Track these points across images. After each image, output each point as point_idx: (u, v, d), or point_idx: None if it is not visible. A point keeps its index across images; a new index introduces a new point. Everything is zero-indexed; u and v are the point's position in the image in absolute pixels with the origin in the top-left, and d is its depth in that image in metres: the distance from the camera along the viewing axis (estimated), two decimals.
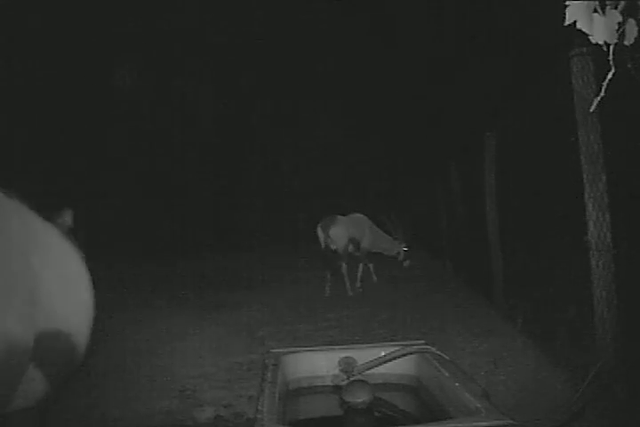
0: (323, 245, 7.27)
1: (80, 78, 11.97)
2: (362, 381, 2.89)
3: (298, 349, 3.35)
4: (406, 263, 8.19)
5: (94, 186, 12.34)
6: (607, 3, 1.42)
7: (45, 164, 11.33)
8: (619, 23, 1.41)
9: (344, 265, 7.30)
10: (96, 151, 12.72)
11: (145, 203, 12.98)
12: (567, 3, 1.42)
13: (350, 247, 7.42)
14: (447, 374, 2.68)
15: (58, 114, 11.74)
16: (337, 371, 3.06)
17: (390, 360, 3.03)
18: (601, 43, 1.42)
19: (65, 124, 11.98)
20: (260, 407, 2.37)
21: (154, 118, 14.19)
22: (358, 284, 7.56)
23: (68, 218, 2.44)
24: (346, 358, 3.09)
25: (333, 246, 7.25)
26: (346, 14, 13.94)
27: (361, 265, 7.71)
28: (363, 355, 3.10)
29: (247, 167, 15.21)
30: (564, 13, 1.42)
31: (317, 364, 3.13)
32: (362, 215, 7.86)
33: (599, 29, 1.41)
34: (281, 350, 3.22)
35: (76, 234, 2.51)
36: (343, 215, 7.60)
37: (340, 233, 7.26)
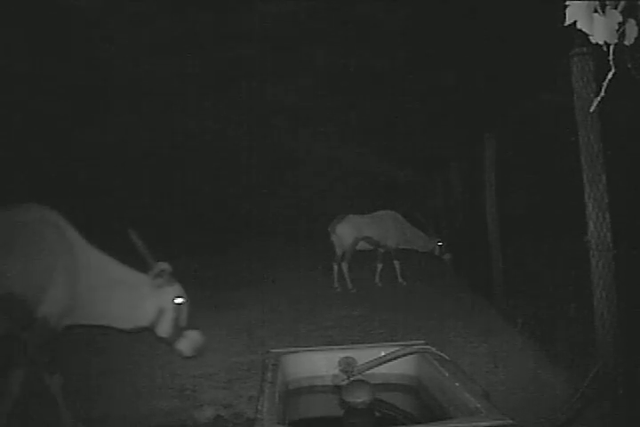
0: (335, 242, 7.31)
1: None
2: (362, 381, 2.89)
3: (298, 349, 3.35)
4: (447, 257, 8.14)
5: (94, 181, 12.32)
6: (607, 3, 1.42)
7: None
8: (619, 23, 1.41)
9: (345, 264, 7.30)
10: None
11: (146, 201, 12.95)
12: (567, 3, 1.41)
13: (362, 245, 7.41)
14: (447, 374, 2.68)
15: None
16: (337, 371, 3.06)
17: (390, 360, 3.03)
18: (601, 43, 1.42)
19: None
20: (259, 407, 2.38)
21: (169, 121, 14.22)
22: (377, 278, 7.63)
23: (165, 267, 3.13)
24: (346, 358, 3.09)
25: (339, 245, 7.26)
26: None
27: (379, 264, 7.70)
28: (363, 355, 3.10)
29: (248, 163, 15.18)
30: (565, 13, 1.42)
31: (317, 364, 3.13)
32: (390, 212, 7.79)
33: (599, 29, 1.41)
34: (281, 350, 3.22)
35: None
36: (363, 213, 7.60)
37: (345, 232, 7.23)
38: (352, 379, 2.97)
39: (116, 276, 3.13)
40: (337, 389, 2.97)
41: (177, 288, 3.16)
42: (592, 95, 2.95)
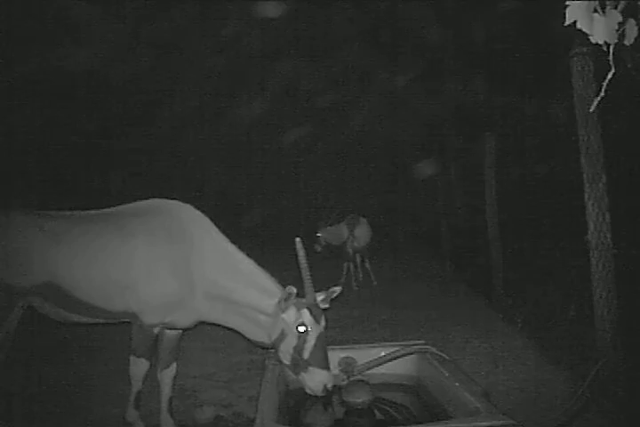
0: (347, 242, 7.43)
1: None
2: (362, 381, 2.89)
3: None
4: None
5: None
6: (607, 3, 1.42)
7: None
8: (619, 23, 1.41)
9: (352, 263, 7.51)
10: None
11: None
12: (567, 3, 1.42)
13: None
14: (447, 374, 2.68)
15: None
16: (337, 371, 3.06)
17: (390, 360, 3.03)
18: (601, 43, 1.42)
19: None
20: (260, 407, 2.37)
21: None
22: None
23: (292, 291, 2.73)
24: (346, 358, 3.09)
25: (356, 244, 7.42)
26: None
27: (368, 265, 7.86)
28: (363, 355, 3.10)
29: (247, 168, 15.15)
30: (565, 13, 1.42)
31: None
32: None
33: (599, 29, 1.41)
34: None
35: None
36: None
37: (364, 232, 7.49)
38: (352, 379, 2.97)
39: (247, 276, 2.87)
40: (337, 389, 2.97)
41: (304, 315, 2.74)
42: (592, 95, 2.95)
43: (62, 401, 3.55)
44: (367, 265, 7.66)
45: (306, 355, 2.70)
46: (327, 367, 2.71)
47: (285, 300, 2.73)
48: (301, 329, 2.72)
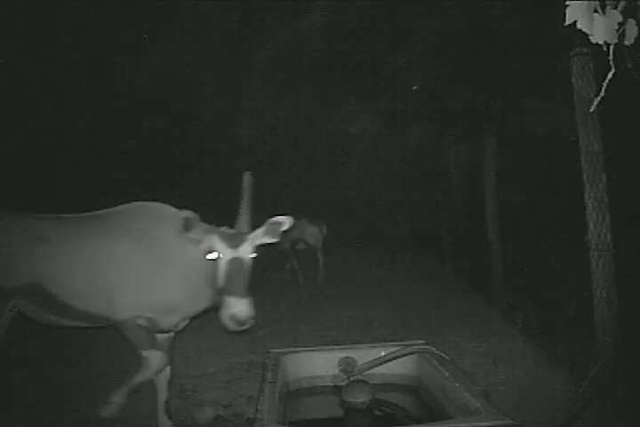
0: (315, 241, 7.83)
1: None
2: (362, 381, 2.89)
3: (298, 349, 3.35)
4: None
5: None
6: (607, 3, 1.42)
7: None
8: (619, 23, 1.41)
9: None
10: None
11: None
12: (567, 3, 1.42)
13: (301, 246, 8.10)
14: (447, 374, 2.68)
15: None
16: (337, 371, 3.06)
17: (390, 360, 3.03)
18: (601, 43, 1.42)
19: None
20: (260, 407, 2.38)
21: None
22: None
23: (189, 215, 2.57)
24: (346, 358, 3.09)
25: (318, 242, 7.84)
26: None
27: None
28: (363, 355, 3.10)
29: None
30: (565, 13, 1.42)
31: (317, 364, 3.13)
32: None
33: (599, 29, 1.41)
34: (281, 350, 3.22)
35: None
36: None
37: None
38: (352, 379, 2.97)
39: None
40: (337, 389, 2.97)
41: (212, 239, 2.57)
42: (592, 95, 2.96)
43: (62, 401, 3.55)
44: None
45: (221, 283, 2.52)
46: (243, 295, 2.46)
47: (186, 227, 2.55)
48: (211, 256, 2.56)
